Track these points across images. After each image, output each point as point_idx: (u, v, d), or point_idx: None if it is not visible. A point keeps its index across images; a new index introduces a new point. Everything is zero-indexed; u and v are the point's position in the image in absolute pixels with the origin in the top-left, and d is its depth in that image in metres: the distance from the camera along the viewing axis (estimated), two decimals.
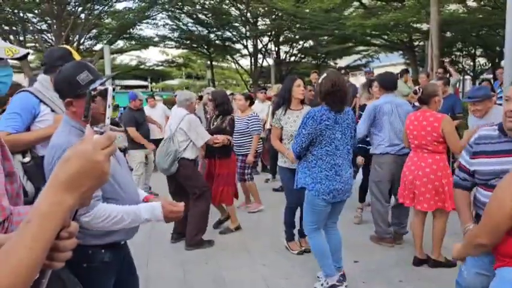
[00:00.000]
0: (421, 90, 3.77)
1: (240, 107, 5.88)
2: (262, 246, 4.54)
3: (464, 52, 19.99)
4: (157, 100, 8.48)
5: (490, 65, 18.79)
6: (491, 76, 16.78)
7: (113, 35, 17.92)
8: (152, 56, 43.23)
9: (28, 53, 1.45)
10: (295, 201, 4.04)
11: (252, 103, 6.09)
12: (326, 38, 19.22)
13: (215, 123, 4.94)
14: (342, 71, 10.88)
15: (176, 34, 20.70)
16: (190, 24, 20.15)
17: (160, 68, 27.36)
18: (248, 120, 5.67)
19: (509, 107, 2.01)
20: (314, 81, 9.02)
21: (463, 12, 15.80)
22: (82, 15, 16.06)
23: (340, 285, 3.40)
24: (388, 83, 4.45)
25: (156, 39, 20.67)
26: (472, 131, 3.86)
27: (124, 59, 26.43)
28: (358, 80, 16.62)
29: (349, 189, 3.34)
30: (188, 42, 21.54)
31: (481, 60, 20.69)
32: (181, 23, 19.93)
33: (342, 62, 24.08)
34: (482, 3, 15.17)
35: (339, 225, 3.57)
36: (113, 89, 15.72)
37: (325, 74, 3.28)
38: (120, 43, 20.71)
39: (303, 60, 23.06)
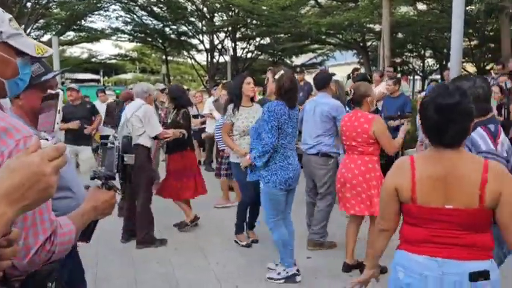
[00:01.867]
0: (353, 91, 3.72)
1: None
2: (216, 244, 4.48)
3: (414, 53, 20.77)
4: (109, 95, 8.19)
5: (438, 66, 19.66)
6: (439, 77, 17.56)
7: (62, 25, 17.14)
8: (105, 49, 41.82)
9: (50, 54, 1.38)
10: (250, 196, 4.22)
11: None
12: (282, 35, 19.34)
13: (171, 117, 4.92)
14: (298, 69, 10.99)
15: (129, 27, 20.05)
16: (144, 17, 19.58)
17: (113, 61, 26.53)
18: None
19: None
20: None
21: (414, 14, 16.42)
22: (28, 4, 15.24)
23: (298, 274, 3.54)
24: (318, 81, 4.41)
25: (108, 31, 19.97)
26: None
27: (75, 51, 25.42)
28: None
29: (298, 175, 3.51)
30: (142, 35, 20.92)
31: (430, 61, 21.62)
32: (135, 16, 19.33)
33: (298, 60, 24.37)
34: (431, 6, 15.82)
35: (297, 221, 3.61)
36: (63, 83, 15.05)
37: (282, 72, 3.40)
38: (70, 35, 19.89)
39: (259, 57, 23.10)
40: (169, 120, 4.97)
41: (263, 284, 3.54)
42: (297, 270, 3.58)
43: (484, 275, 1.59)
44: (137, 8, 18.80)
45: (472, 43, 17.68)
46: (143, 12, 19.23)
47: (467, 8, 10.90)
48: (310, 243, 4.25)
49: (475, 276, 1.58)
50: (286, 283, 3.50)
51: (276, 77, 3.38)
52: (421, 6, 16.50)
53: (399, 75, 10.99)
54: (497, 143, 2.16)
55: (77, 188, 1.79)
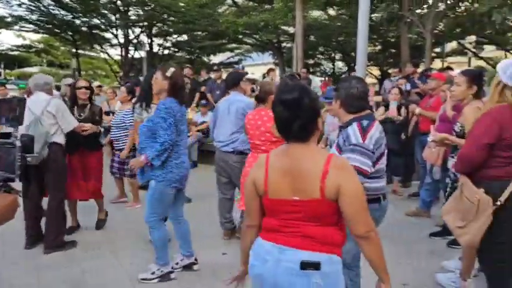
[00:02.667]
0: (258, 88, 3.81)
1: (122, 99, 5.71)
2: (129, 244, 4.37)
3: (325, 55, 21.88)
4: (12, 90, 7.55)
5: (347, 68, 20.92)
6: None
7: None
8: (6, 39, 38.35)
9: None
10: None
11: (134, 96, 5.87)
12: (199, 33, 19.24)
13: (84, 114, 4.62)
14: (215, 67, 11.05)
15: (34, 16, 18.49)
16: (51, 7, 18.16)
17: (16, 53, 24.36)
18: (126, 114, 5.44)
19: None
20: (189, 76, 9.05)
21: (325, 19, 17.32)
22: None
23: (173, 271, 3.59)
24: (229, 81, 4.56)
25: (9, 19, 18.19)
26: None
27: None
28: None
29: (188, 174, 3.56)
30: (49, 26, 19.36)
31: (340, 64, 22.93)
32: (40, 4, 17.83)
33: (216, 59, 24.41)
34: (340, 12, 16.80)
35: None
36: None
37: (173, 69, 3.39)
38: None
39: (177, 54, 22.74)
40: (80, 117, 4.60)
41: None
42: (195, 260, 3.67)
43: (313, 265, 1.68)
44: None
45: (376, 48, 19.11)
46: (50, 1, 17.83)
47: (372, 16, 11.78)
48: (226, 232, 4.41)
49: (304, 265, 1.69)
50: (162, 282, 3.49)
51: (168, 74, 3.34)
52: (332, 12, 17.46)
53: (311, 76, 11.51)
54: (366, 137, 2.41)
55: None
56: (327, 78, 21.76)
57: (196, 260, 3.72)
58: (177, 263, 3.68)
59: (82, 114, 4.60)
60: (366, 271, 3.42)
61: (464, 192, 2.60)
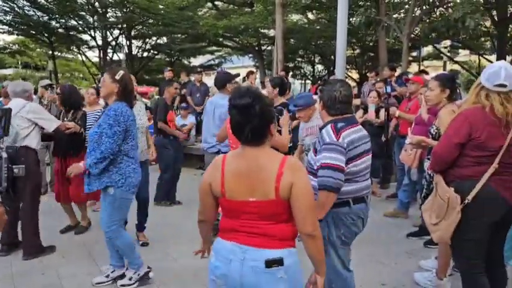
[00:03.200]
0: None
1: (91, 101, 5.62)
2: (106, 249, 4.29)
3: (305, 59, 22.06)
4: None
5: (327, 71, 21.14)
6: None
7: None
8: None
9: None
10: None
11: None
12: (179, 35, 19.14)
13: (66, 119, 4.63)
14: (199, 69, 11.01)
15: (9, 17, 18.06)
16: (26, 8, 17.76)
17: None
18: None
19: None
20: (168, 78, 9.00)
21: (304, 23, 17.46)
22: None
23: (150, 270, 3.55)
24: (217, 81, 4.66)
25: None
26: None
27: None
28: (212, 79, 16.98)
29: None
30: (24, 27, 18.95)
31: (320, 67, 23.15)
32: (15, 6, 17.41)
33: (196, 61, 24.34)
34: (319, 16, 16.97)
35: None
36: None
37: (122, 71, 3.29)
38: None
39: (156, 57, 22.57)
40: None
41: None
42: (148, 267, 3.55)
43: (277, 262, 1.79)
44: None
45: (355, 52, 19.37)
46: (25, 2, 17.44)
47: (350, 20, 11.94)
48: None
49: (269, 263, 1.79)
50: (142, 285, 3.46)
51: (117, 77, 3.23)
52: (311, 16, 17.63)
53: (291, 79, 11.59)
54: (340, 136, 2.46)
55: None
56: (309, 82, 22.01)
57: (149, 267, 3.57)
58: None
59: (65, 119, 4.62)
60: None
61: (438, 191, 2.68)
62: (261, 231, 1.82)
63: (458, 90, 3.73)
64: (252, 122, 1.77)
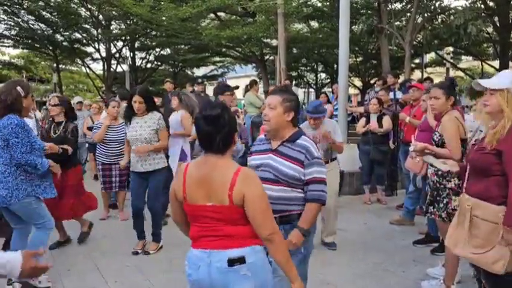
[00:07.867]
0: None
1: (116, 113, 5.76)
2: (113, 262, 4.28)
3: (308, 67, 22.12)
4: None
5: (330, 79, 21.19)
6: (330, 89, 18.93)
7: None
8: None
9: None
10: (142, 204, 4.52)
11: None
12: (182, 46, 19.26)
13: (58, 131, 4.52)
14: (199, 80, 11.08)
15: (14, 32, 18.24)
16: (31, 22, 17.92)
17: None
18: (124, 128, 5.30)
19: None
20: (169, 90, 9.09)
21: (307, 31, 17.55)
22: None
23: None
24: (215, 91, 5.10)
25: None
26: None
27: None
28: None
29: None
30: (29, 41, 19.13)
31: (323, 75, 23.22)
32: (20, 20, 17.56)
33: (199, 72, 24.48)
34: (322, 25, 17.06)
35: None
36: None
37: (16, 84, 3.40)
38: None
39: (160, 68, 22.71)
40: (54, 135, 4.52)
41: None
42: None
43: (239, 260, 1.88)
44: (22, 11, 17.17)
45: (358, 59, 19.42)
46: (30, 17, 17.60)
47: (353, 28, 12.00)
48: None
49: (231, 262, 1.88)
50: None
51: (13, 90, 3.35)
52: (314, 24, 17.72)
53: (294, 87, 11.62)
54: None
55: None
56: (312, 91, 22.03)
57: None
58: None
59: (56, 131, 4.51)
60: (334, 277, 3.46)
61: (478, 215, 2.34)
62: (221, 233, 1.91)
63: (457, 97, 3.75)
64: (221, 131, 1.90)
